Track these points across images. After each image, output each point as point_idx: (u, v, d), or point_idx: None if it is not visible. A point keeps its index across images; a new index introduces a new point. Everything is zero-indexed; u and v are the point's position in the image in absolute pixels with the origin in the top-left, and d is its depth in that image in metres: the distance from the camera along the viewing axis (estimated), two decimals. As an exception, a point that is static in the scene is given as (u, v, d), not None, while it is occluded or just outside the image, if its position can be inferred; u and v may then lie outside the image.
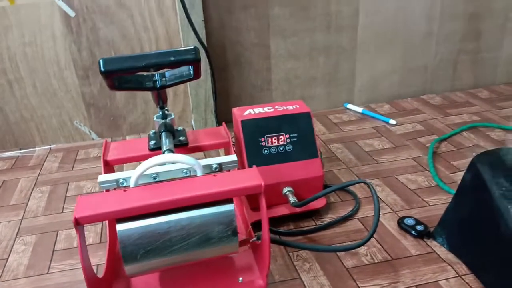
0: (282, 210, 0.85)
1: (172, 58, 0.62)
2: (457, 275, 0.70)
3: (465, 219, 0.74)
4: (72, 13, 1.11)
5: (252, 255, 0.70)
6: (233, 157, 0.65)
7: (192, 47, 0.63)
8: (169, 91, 1.24)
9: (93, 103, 1.21)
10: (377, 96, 1.42)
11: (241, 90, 1.32)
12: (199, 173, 0.60)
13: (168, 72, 0.69)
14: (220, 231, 0.57)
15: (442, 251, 0.75)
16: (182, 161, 0.59)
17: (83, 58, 1.15)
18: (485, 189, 0.69)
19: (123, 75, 0.63)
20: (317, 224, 0.84)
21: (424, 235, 0.78)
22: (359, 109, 1.34)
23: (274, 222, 0.84)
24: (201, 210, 0.57)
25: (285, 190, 0.84)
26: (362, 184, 0.96)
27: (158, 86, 0.69)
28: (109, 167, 0.79)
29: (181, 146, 0.80)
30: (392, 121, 1.25)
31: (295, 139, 0.86)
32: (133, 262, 0.56)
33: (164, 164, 0.59)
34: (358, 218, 0.85)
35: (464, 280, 0.69)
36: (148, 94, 1.23)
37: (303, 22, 1.26)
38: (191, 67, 0.67)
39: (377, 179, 0.98)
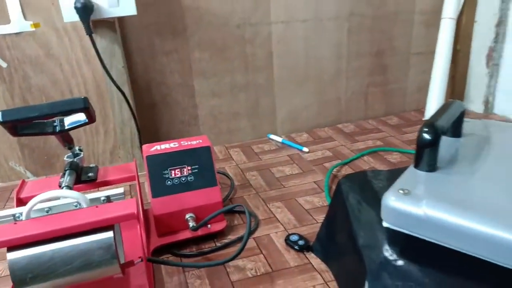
0: (185, 235, 0.95)
1: (61, 109, 0.73)
2: (323, 282, 0.81)
3: (332, 233, 0.86)
4: (4, 64, 1.21)
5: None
6: (119, 190, 0.76)
7: (80, 97, 0.74)
8: (100, 130, 1.34)
9: (27, 144, 1.30)
10: (297, 126, 1.56)
11: (170, 126, 1.43)
12: (84, 205, 0.70)
13: (66, 118, 0.80)
14: (100, 255, 0.67)
15: (317, 262, 0.86)
16: (66, 195, 0.69)
17: (16, 104, 1.25)
18: (344, 206, 0.82)
19: (19, 124, 0.74)
20: (217, 245, 0.94)
21: (304, 248, 0.90)
22: (279, 139, 1.48)
23: (179, 245, 0.94)
24: (82, 237, 0.67)
25: (187, 216, 0.95)
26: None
27: (57, 130, 0.79)
28: (23, 204, 0.88)
29: (89, 182, 0.91)
30: (305, 149, 1.38)
31: (196, 170, 0.97)
32: (23, 286, 0.64)
33: (51, 199, 0.69)
34: (253, 238, 0.96)
35: (328, 286, 0.80)
36: (80, 134, 1.33)
37: (223, 64, 1.41)
38: (84, 114, 0.78)
39: (280, 202, 1.10)
